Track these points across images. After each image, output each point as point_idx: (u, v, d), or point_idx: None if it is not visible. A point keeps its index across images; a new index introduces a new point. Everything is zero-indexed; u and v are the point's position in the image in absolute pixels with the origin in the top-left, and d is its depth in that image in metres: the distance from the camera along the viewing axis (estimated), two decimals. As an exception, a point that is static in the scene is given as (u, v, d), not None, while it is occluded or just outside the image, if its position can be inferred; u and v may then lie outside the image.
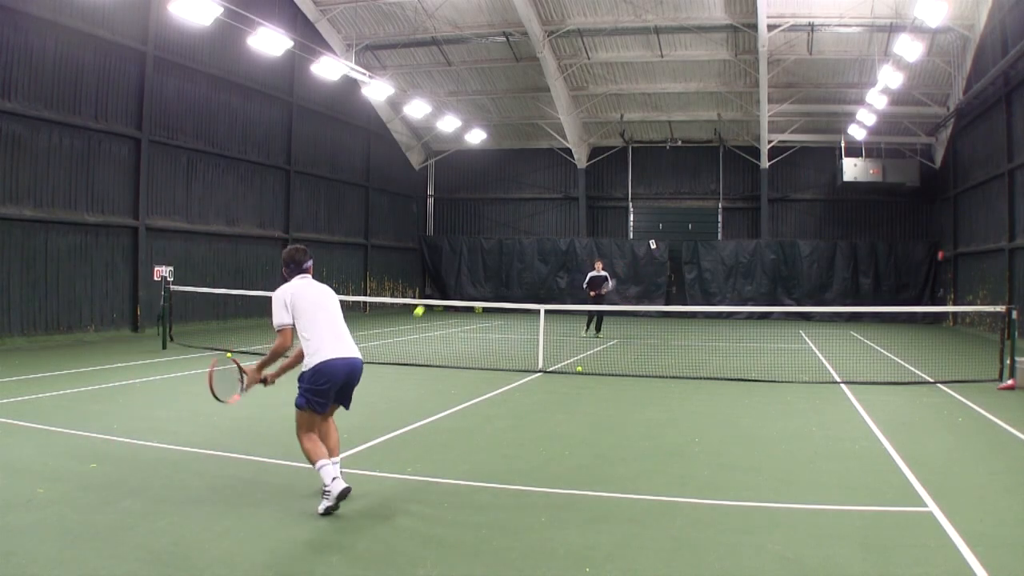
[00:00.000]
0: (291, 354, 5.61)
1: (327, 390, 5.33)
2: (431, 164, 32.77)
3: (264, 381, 5.65)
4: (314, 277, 5.90)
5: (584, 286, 19.85)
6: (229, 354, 13.64)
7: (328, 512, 5.06)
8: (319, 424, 5.40)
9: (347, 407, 5.64)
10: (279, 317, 5.40)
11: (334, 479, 5.09)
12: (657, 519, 5.14)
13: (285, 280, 5.73)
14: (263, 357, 5.57)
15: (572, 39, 24.85)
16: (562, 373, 12.55)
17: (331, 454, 5.33)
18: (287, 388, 10.78)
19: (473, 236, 31.91)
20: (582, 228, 30.55)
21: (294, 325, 5.42)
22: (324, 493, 5.12)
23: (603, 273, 19.38)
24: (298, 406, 5.35)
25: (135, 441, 7.07)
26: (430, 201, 33.32)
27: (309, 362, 5.36)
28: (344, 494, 5.08)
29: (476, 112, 29.61)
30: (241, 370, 5.68)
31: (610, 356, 15.21)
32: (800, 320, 26.81)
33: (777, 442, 7.57)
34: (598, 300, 19.17)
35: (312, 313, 5.46)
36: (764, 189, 28.12)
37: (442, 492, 5.69)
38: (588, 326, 19.61)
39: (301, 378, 5.39)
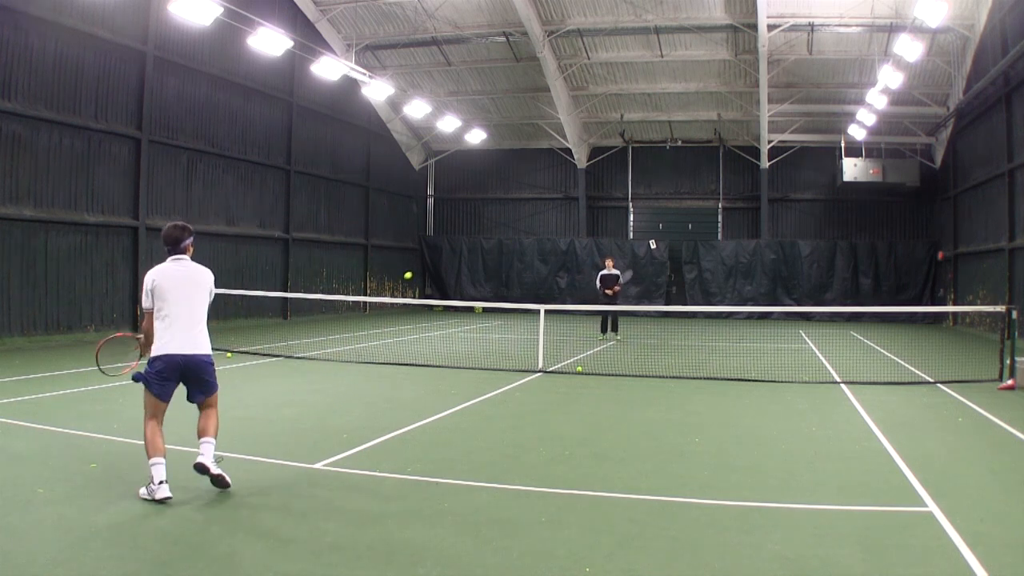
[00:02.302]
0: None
1: (167, 379, 5.46)
2: (431, 164, 32.78)
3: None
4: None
5: (597, 285, 18.83)
6: (229, 355, 13.66)
7: (150, 498, 5.20)
8: (163, 411, 5.52)
9: (203, 398, 5.66)
10: (143, 301, 5.54)
11: (161, 483, 5.22)
12: (657, 519, 5.14)
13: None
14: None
15: (572, 39, 24.85)
16: (562, 373, 12.55)
17: (200, 435, 5.53)
18: (286, 387, 10.76)
19: (473, 236, 31.92)
20: (582, 228, 30.55)
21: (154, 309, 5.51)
22: (149, 486, 5.26)
23: (615, 271, 18.49)
24: (134, 379, 5.50)
25: (135, 441, 7.04)
26: (430, 201, 33.32)
27: (155, 348, 5.46)
28: (163, 500, 5.18)
29: (476, 112, 29.61)
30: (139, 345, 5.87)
31: (610, 356, 15.21)
32: (800, 320, 26.80)
33: (777, 442, 7.58)
34: (611, 300, 18.39)
35: (169, 299, 5.48)
36: (764, 189, 28.12)
37: (442, 492, 5.69)
38: (604, 329, 18.74)
39: (149, 361, 5.50)
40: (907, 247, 27.22)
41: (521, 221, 32.20)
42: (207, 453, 5.49)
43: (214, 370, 5.72)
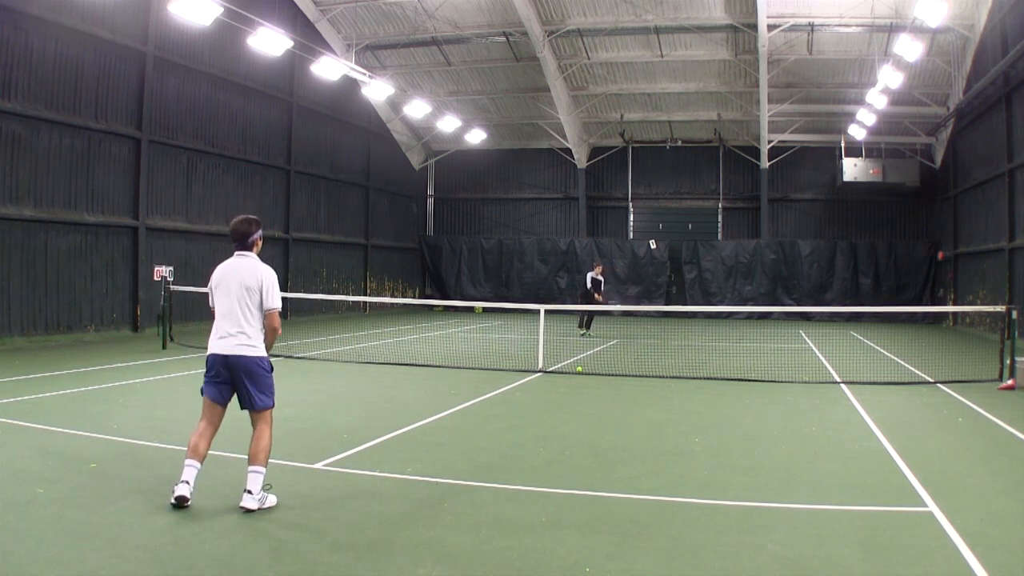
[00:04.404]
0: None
1: (214, 379, 5.29)
2: (431, 164, 32.77)
3: None
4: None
5: (588, 286, 19.97)
6: None
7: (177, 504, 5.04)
8: (213, 413, 5.33)
9: (243, 407, 5.35)
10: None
11: (180, 482, 5.09)
12: (657, 519, 5.14)
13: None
14: None
15: (572, 39, 24.85)
16: (562, 373, 12.55)
17: (248, 460, 5.20)
18: (286, 387, 10.76)
19: (473, 236, 31.92)
20: (582, 228, 30.55)
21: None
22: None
23: (600, 278, 19.87)
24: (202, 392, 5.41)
25: (135, 441, 7.07)
26: (430, 201, 33.32)
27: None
28: (179, 500, 5.03)
29: (476, 112, 29.61)
30: None
31: (610, 356, 15.21)
32: (800, 320, 26.81)
33: (777, 442, 7.57)
34: (591, 300, 19.64)
35: (217, 299, 5.41)
36: (764, 189, 28.12)
37: (442, 492, 5.69)
38: (588, 326, 19.76)
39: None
40: (907, 247, 27.22)
41: (521, 221, 32.20)
42: (252, 488, 5.11)
43: (264, 380, 5.32)
